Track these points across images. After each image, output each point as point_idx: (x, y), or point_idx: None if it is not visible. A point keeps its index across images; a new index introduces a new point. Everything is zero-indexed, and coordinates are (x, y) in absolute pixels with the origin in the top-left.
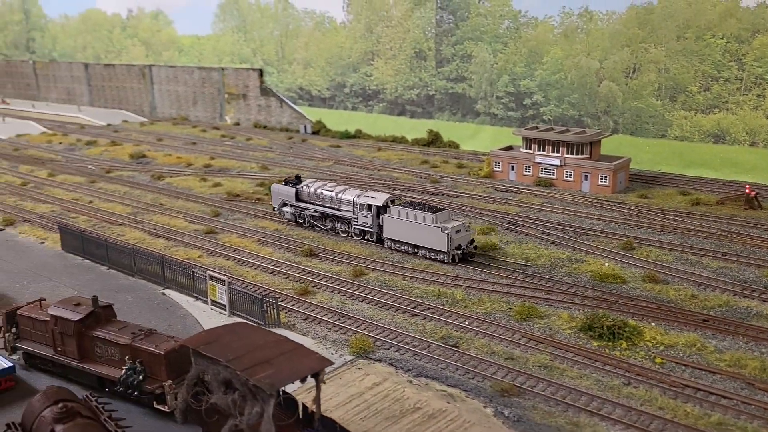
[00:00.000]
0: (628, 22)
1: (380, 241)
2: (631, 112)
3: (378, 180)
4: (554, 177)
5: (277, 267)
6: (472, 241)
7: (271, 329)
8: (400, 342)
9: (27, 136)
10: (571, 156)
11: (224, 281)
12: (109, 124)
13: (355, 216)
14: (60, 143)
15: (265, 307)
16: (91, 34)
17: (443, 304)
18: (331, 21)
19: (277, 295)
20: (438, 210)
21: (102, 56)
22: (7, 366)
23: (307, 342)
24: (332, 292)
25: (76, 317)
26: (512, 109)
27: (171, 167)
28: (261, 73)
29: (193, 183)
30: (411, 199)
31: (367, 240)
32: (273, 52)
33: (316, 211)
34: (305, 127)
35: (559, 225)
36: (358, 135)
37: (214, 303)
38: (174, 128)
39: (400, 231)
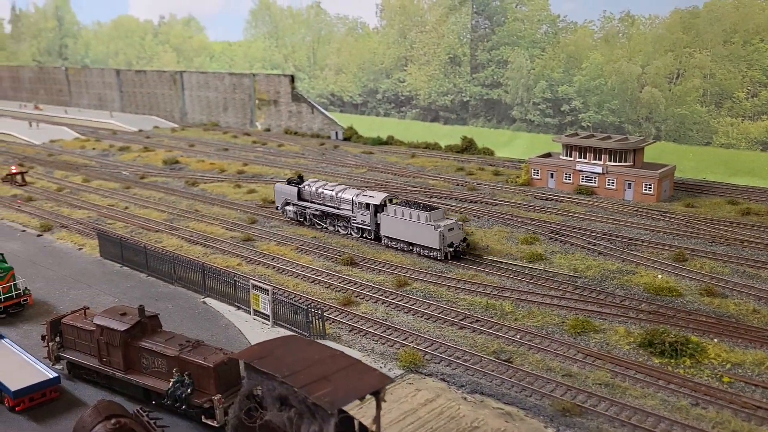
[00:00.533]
0: (672, 26)
1: (378, 238)
2: (675, 119)
3: (414, 187)
4: (596, 185)
5: (317, 276)
6: (465, 239)
7: (318, 341)
8: (450, 356)
9: (60, 141)
10: (614, 163)
11: (268, 291)
12: (140, 130)
13: (354, 214)
14: (93, 149)
15: (311, 318)
16: (123, 41)
17: (492, 317)
18: (364, 26)
19: (321, 306)
20: (432, 209)
21: (134, 62)
22: (52, 376)
23: (355, 355)
24: (376, 302)
25: (123, 327)
26: (549, 116)
27: (204, 173)
28: (292, 79)
29: (228, 189)
30: (407, 198)
31: (365, 238)
32: (305, 58)
33: (317, 210)
34: (336, 133)
35: (605, 235)
36: (390, 141)
37: (257, 313)
38: (205, 134)
39: (396, 229)
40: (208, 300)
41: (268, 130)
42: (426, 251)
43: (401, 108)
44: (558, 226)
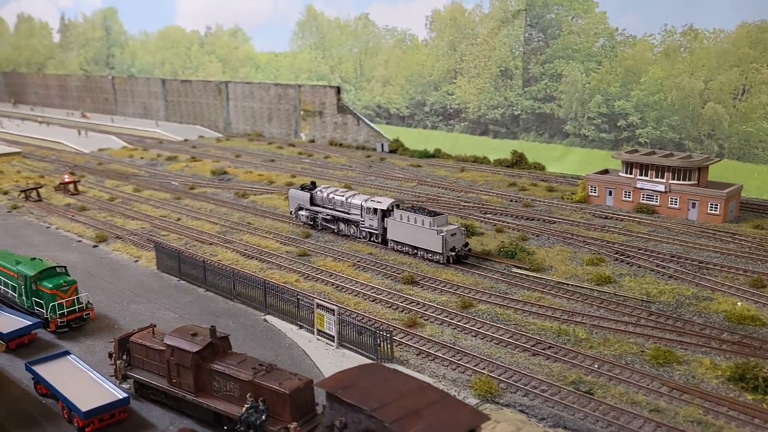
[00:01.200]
0: (738, 40)
1: (384, 242)
2: (739, 136)
3: (467, 203)
4: (657, 203)
5: (378, 295)
6: (467, 244)
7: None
8: (526, 385)
9: (109, 150)
10: (677, 182)
11: (333, 311)
12: (186, 140)
13: (362, 219)
14: (141, 158)
15: (379, 341)
16: (170, 51)
17: (565, 343)
18: (413, 38)
19: (389, 328)
20: (436, 214)
21: (179, 72)
22: (122, 397)
23: (425, 380)
24: (441, 324)
25: (195, 349)
26: (605, 131)
27: (253, 184)
28: (338, 90)
29: (278, 202)
30: (412, 204)
31: (373, 241)
32: (351, 70)
33: (328, 215)
34: (382, 145)
35: (673, 257)
36: (437, 154)
37: (321, 333)
38: (250, 144)
39: (402, 233)
40: (268, 318)
41: (312, 141)
42: (429, 254)
43: (449, 121)
44: (622, 247)
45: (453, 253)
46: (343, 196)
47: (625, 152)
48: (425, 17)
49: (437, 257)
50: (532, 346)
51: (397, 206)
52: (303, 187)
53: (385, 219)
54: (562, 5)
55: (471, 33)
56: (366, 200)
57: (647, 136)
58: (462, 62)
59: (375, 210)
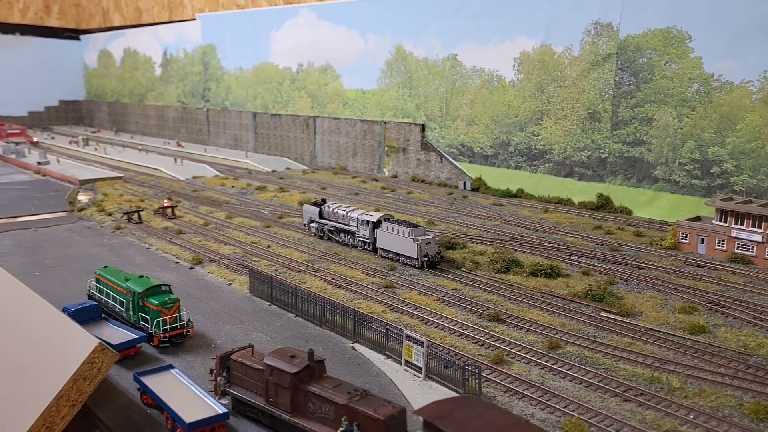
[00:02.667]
0: None
1: (374, 250)
2: None
3: (551, 243)
4: (753, 254)
5: (464, 330)
6: (439, 252)
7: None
8: (618, 431)
9: (202, 178)
10: None
11: (423, 343)
12: (273, 171)
13: (358, 229)
14: (232, 186)
15: (467, 376)
16: (262, 85)
17: (658, 391)
18: (500, 79)
19: (478, 364)
20: (415, 226)
21: (270, 106)
22: (222, 412)
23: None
24: (528, 363)
25: (293, 370)
26: (697, 177)
27: None
28: (423, 128)
29: None
30: (397, 219)
31: (366, 249)
32: (437, 108)
33: (332, 226)
34: (465, 183)
35: None
36: (519, 194)
37: (408, 364)
38: (335, 177)
39: (388, 242)
40: (356, 346)
41: (395, 176)
42: (408, 260)
43: (533, 161)
44: (716, 296)
45: (426, 259)
46: (344, 210)
47: (720, 200)
48: (513, 59)
49: (414, 262)
50: (623, 391)
51: (386, 219)
52: (314, 203)
53: (375, 230)
54: (655, 50)
55: (559, 75)
56: (361, 214)
57: (742, 184)
58: (549, 104)
59: (367, 222)
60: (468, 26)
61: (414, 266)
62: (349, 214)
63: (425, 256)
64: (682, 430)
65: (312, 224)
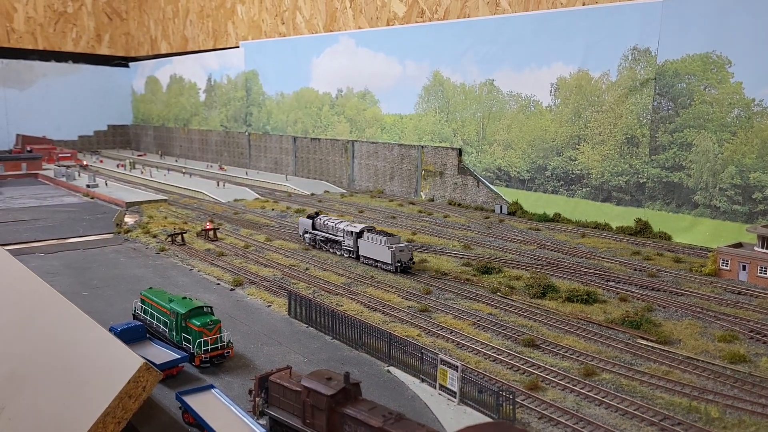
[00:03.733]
0: None
1: (357, 257)
2: None
3: (588, 269)
4: None
5: (498, 355)
6: (411, 258)
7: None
8: None
9: (243, 200)
10: None
11: (457, 367)
12: (312, 194)
13: (344, 239)
14: (273, 209)
15: (501, 401)
16: (302, 110)
17: (696, 421)
18: (537, 104)
19: (513, 390)
20: (391, 236)
21: (309, 131)
22: None
23: None
24: (563, 390)
25: (329, 392)
26: (738, 203)
27: None
28: (460, 152)
29: None
30: (378, 230)
31: (350, 257)
32: (473, 133)
33: (323, 237)
34: (501, 207)
35: None
36: (556, 219)
37: (443, 388)
38: (372, 201)
39: (368, 250)
40: (391, 369)
41: (432, 200)
42: (383, 265)
43: (570, 186)
44: (758, 325)
45: (399, 264)
46: (333, 222)
47: (762, 226)
48: (550, 84)
49: (388, 267)
50: (660, 420)
51: (368, 230)
52: (309, 216)
53: (358, 240)
54: (694, 75)
55: (597, 100)
56: (346, 225)
57: None
58: (586, 129)
59: (351, 232)
60: (505, 52)
61: (389, 271)
62: (336, 225)
63: (398, 261)
64: None
65: (306, 235)
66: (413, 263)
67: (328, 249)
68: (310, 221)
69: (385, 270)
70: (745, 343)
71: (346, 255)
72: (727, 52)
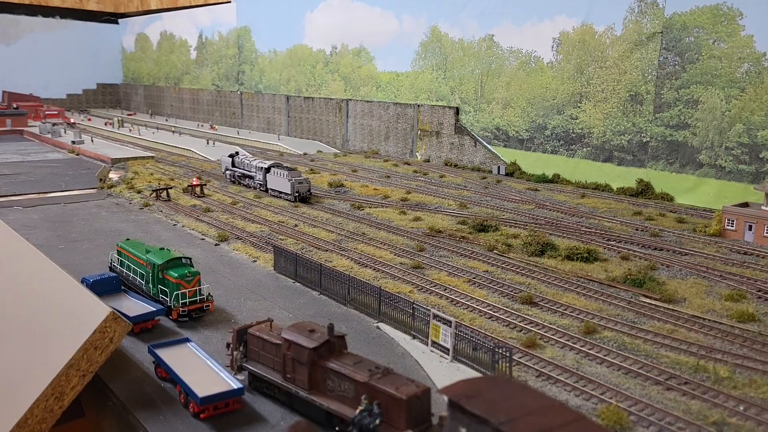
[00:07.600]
0: None
1: (266, 190)
2: None
3: (588, 228)
4: None
5: (494, 312)
6: (309, 189)
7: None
8: (661, 420)
9: None
10: None
11: (450, 323)
12: (305, 153)
13: (256, 174)
14: None
15: (497, 358)
16: (296, 68)
17: (704, 380)
18: (538, 60)
19: (509, 347)
20: (292, 170)
21: (303, 89)
22: (237, 387)
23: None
24: (562, 348)
25: (312, 345)
26: (744, 162)
27: (368, 198)
28: (457, 111)
29: (393, 215)
30: (285, 166)
31: (260, 190)
32: (471, 91)
33: (240, 173)
34: (499, 167)
35: None
36: (555, 179)
37: (435, 344)
38: (366, 161)
39: (274, 183)
40: (381, 325)
41: (427, 160)
42: (285, 195)
43: (571, 146)
44: (766, 285)
45: (298, 194)
46: (248, 160)
47: None
48: (552, 39)
49: (289, 197)
50: (666, 379)
51: (275, 166)
52: (230, 155)
53: (266, 174)
54: (703, 28)
55: (600, 56)
56: (258, 162)
57: None
58: (589, 86)
59: (261, 168)
60: (505, 5)
61: (289, 200)
62: (251, 162)
63: (297, 192)
64: (731, 423)
65: (227, 171)
66: (311, 194)
67: (245, 184)
68: (230, 159)
69: (287, 200)
70: (753, 303)
71: (258, 188)
72: (738, 3)
